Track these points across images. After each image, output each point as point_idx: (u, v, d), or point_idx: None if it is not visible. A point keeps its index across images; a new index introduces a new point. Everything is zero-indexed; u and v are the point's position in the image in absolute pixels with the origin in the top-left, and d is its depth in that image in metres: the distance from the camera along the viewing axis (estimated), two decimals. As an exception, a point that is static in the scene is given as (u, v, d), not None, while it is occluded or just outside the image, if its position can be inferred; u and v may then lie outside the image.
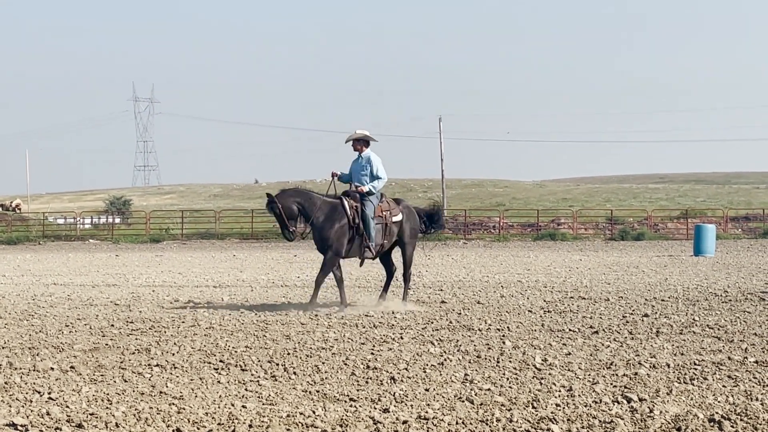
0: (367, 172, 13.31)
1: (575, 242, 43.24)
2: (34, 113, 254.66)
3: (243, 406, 6.82)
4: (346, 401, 7.05)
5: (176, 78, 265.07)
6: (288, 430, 6.27)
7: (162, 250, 38.07)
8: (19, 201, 73.01)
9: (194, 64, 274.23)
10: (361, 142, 13.46)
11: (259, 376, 8.00)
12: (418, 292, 15.62)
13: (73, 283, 19.00)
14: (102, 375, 8.10)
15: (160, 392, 7.36)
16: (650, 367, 8.28)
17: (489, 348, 9.39)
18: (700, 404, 6.82)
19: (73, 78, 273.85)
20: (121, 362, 8.72)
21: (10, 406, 6.89)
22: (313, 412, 6.65)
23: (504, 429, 6.27)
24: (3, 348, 9.70)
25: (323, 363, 8.59)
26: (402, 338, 10.11)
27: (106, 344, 9.86)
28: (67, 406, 6.85)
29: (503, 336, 10.23)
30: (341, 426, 6.34)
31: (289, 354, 9.11)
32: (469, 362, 8.61)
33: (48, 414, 6.61)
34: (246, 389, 7.48)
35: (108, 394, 7.25)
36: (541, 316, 12.06)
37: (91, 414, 6.62)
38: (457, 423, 6.38)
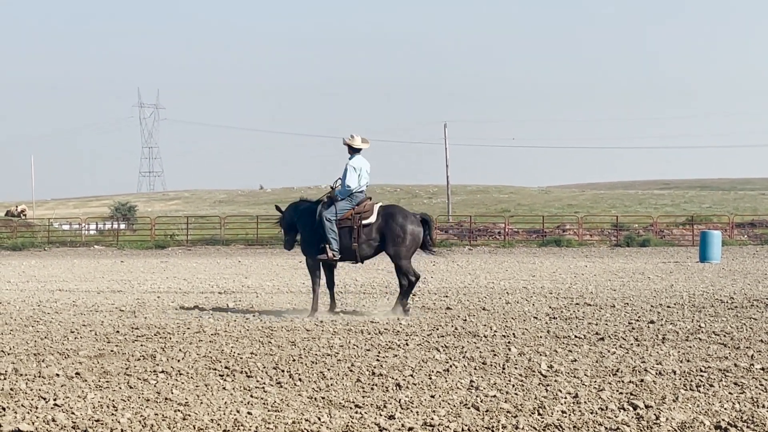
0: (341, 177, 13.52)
1: (581, 248, 43.21)
2: (39, 119, 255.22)
3: (248, 413, 6.82)
4: (351, 408, 7.04)
5: (181, 84, 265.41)
6: (293, 436, 6.26)
7: (167, 256, 38.10)
8: (24, 207, 73.14)
9: (199, 70, 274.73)
10: (348, 148, 13.62)
11: (264, 383, 7.99)
12: (423, 298, 15.60)
13: (78, 289, 19.01)
14: (107, 381, 8.10)
15: (166, 399, 7.35)
16: (656, 373, 8.26)
17: (494, 354, 9.37)
18: (706, 411, 6.80)
19: (78, 84, 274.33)
20: (127, 368, 8.72)
21: (15, 413, 6.89)
22: (319, 419, 6.64)
23: (510, 436, 6.25)
24: (8, 354, 9.71)
25: (328, 369, 8.58)
26: (407, 345, 10.10)
27: (112, 350, 9.86)
28: (73, 413, 6.85)
29: (509, 342, 10.22)
30: (347, 433, 6.33)
31: (294, 360, 9.10)
32: (475, 369, 8.60)
33: (53, 420, 6.61)
34: (251, 396, 7.48)
35: (113, 401, 7.24)
36: (546, 323, 12.04)
37: (96, 420, 6.62)
38: (462, 430, 6.37)
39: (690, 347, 9.82)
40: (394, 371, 8.46)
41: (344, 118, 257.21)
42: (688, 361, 8.97)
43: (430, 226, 13.96)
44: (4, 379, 8.26)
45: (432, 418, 6.61)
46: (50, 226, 56.15)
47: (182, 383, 8.01)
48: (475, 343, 10.26)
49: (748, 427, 6.37)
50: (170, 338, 10.79)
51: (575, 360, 9.01)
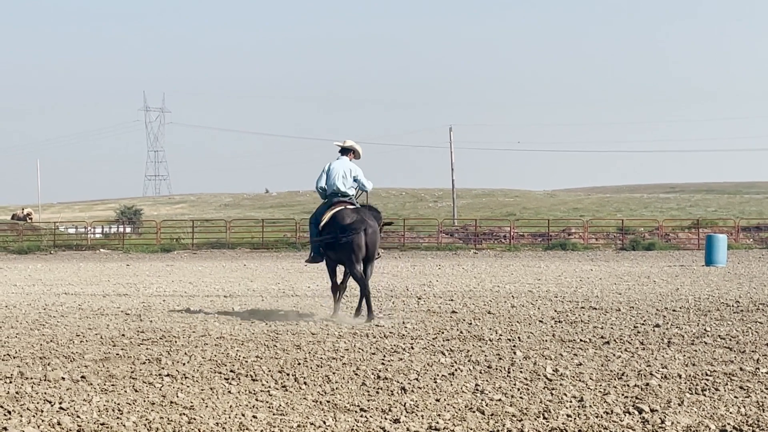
0: None
1: (586, 252, 43.16)
2: (44, 123, 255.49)
3: (254, 417, 6.82)
4: (356, 411, 7.05)
5: (187, 88, 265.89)
6: (298, 440, 6.27)
7: (173, 260, 38.14)
8: (30, 210, 73.36)
9: (205, 74, 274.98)
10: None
11: (269, 387, 8.00)
12: (429, 302, 15.61)
13: (83, 292, 19.04)
14: (113, 385, 8.11)
15: (171, 402, 7.36)
16: (662, 377, 8.25)
17: (500, 358, 9.37)
18: (711, 415, 6.79)
19: (84, 88, 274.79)
20: (132, 372, 8.73)
21: (21, 416, 6.90)
22: (324, 423, 6.65)
23: (515, 440, 6.25)
24: (14, 358, 9.73)
25: (334, 373, 8.59)
26: (413, 348, 10.10)
27: (117, 354, 9.87)
28: (78, 416, 6.86)
29: (514, 346, 10.21)
30: (352, 436, 6.34)
31: (299, 364, 9.11)
32: (480, 372, 8.59)
33: (59, 424, 6.62)
34: (256, 399, 7.48)
35: (119, 404, 7.25)
36: (552, 327, 12.03)
37: (101, 424, 6.63)
38: (467, 434, 6.36)
39: (695, 351, 9.81)
40: (400, 375, 8.46)
41: (350, 121, 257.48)
42: (693, 365, 8.96)
43: (366, 229, 12.91)
44: (10, 382, 8.27)
45: (437, 422, 6.61)
46: (56, 230, 56.19)
47: (187, 387, 8.02)
48: (480, 346, 10.26)
49: (753, 431, 6.36)
50: (176, 342, 10.80)
51: (580, 364, 9.01)
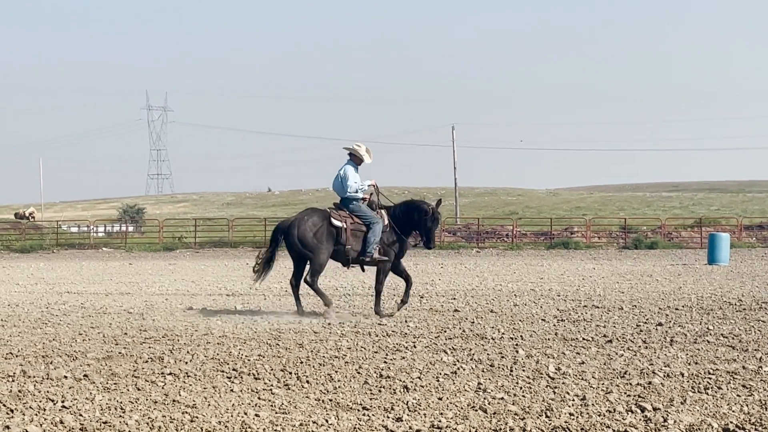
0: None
1: (588, 251, 43.14)
2: (47, 122, 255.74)
3: (256, 415, 6.82)
4: (359, 410, 7.04)
5: (189, 86, 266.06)
6: (301, 438, 6.27)
7: (175, 259, 38.15)
8: (33, 209, 73.45)
9: (207, 73, 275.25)
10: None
11: (272, 385, 8.00)
12: (432, 301, 15.60)
13: (86, 291, 19.04)
14: (115, 383, 8.11)
15: (174, 401, 7.37)
16: (664, 376, 8.24)
17: (502, 357, 9.37)
18: (714, 414, 6.78)
19: (87, 87, 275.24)
20: (135, 371, 8.74)
21: (23, 415, 6.90)
22: (326, 421, 6.65)
23: (517, 438, 6.25)
24: (17, 356, 9.73)
25: (336, 372, 8.59)
26: (415, 347, 10.10)
27: (120, 353, 9.87)
28: (81, 415, 6.86)
29: (516, 345, 10.21)
30: (354, 435, 6.34)
31: (302, 362, 9.11)
32: (483, 371, 8.59)
33: (61, 422, 6.62)
34: (259, 398, 7.48)
35: (121, 403, 7.26)
36: (554, 325, 12.02)
37: (104, 422, 6.63)
38: (470, 432, 6.36)
39: (698, 350, 9.80)
40: (402, 373, 8.46)
41: (352, 121, 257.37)
42: (696, 363, 8.96)
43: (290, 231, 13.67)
44: (13, 381, 8.28)
45: (439, 421, 6.61)
46: (59, 229, 56.25)
47: (190, 385, 8.02)
48: (482, 345, 10.26)
49: (756, 429, 6.36)
50: (178, 340, 10.80)
51: (583, 362, 9.01)
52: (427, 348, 10.05)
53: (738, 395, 7.43)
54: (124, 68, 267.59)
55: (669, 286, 19.05)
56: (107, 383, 8.12)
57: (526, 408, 7.01)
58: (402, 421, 6.65)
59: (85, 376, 8.44)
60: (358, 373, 8.53)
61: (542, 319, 12.66)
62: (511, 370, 8.59)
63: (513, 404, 7.13)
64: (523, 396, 7.46)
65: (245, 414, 6.87)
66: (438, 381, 8.09)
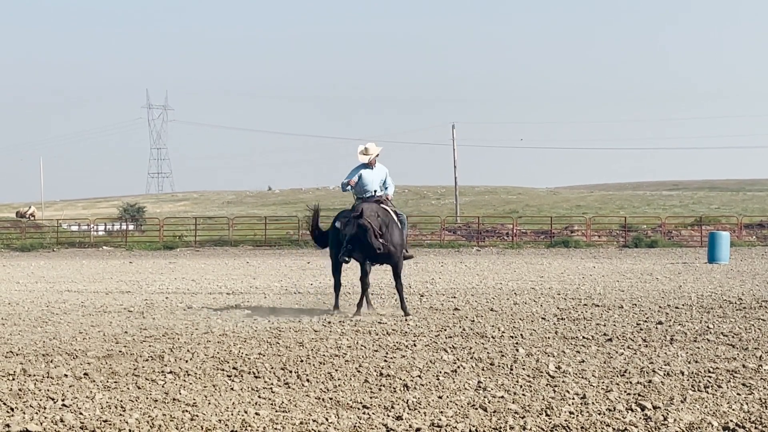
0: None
1: (589, 249, 43.16)
2: (47, 121, 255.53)
3: (256, 413, 6.83)
4: (359, 408, 7.05)
5: (190, 85, 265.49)
6: (301, 437, 6.27)
7: (175, 257, 38.17)
8: (33, 208, 73.41)
9: (207, 72, 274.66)
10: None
11: (272, 383, 8.00)
12: (432, 299, 15.61)
13: (86, 290, 19.06)
14: (115, 382, 8.11)
15: (174, 399, 7.37)
16: (664, 374, 8.25)
17: (502, 355, 9.37)
18: (714, 412, 6.78)
19: (87, 85, 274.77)
20: (135, 369, 8.74)
21: (24, 413, 6.91)
22: (326, 419, 6.65)
23: (517, 437, 6.25)
24: (17, 355, 9.74)
25: (336, 370, 8.59)
26: (415, 345, 10.10)
27: (120, 351, 9.88)
28: (81, 413, 6.86)
29: (517, 343, 10.21)
30: (354, 433, 6.34)
31: (302, 361, 9.11)
32: (483, 369, 8.59)
33: (62, 421, 6.62)
34: (259, 396, 7.49)
35: (121, 401, 7.26)
36: (554, 324, 12.03)
37: (104, 421, 6.63)
38: (470, 430, 6.36)
39: (698, 348, 9.81)
40: (402, 372, 8.46)
41: (352, 119, 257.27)
42: (696, 362, 8.96)
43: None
44: (13, 379, 8.28)
45: (440, 419, 6.61)
46: (59, 227, 56.29)
47: (190, 384, 8.02)
48: (482, 343, 10.26)
49: (756, 428, 6.35)
50: (178, 339, 10.81)
51: (583, 361, 9.01)
52: (427, 346, 10.05)
53: (738, 394, 7.43)
54: (125, 67, 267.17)
55: (669, 284, 19.06)
56: (107, 382, 8.12)
57: (526, 406, 7.02)
58: (402, 419, 6.65)
59: (85, 374, 8.45)
60: (358, 371, 8.54)
61: (542, 318, 12.67)
62: (511, 369, 8.59)
63: (513, 403, 7.13)
64: (523, 394, 7.46)
65: (245, 412, 6.87)
66: (438, 379, 8.09)
